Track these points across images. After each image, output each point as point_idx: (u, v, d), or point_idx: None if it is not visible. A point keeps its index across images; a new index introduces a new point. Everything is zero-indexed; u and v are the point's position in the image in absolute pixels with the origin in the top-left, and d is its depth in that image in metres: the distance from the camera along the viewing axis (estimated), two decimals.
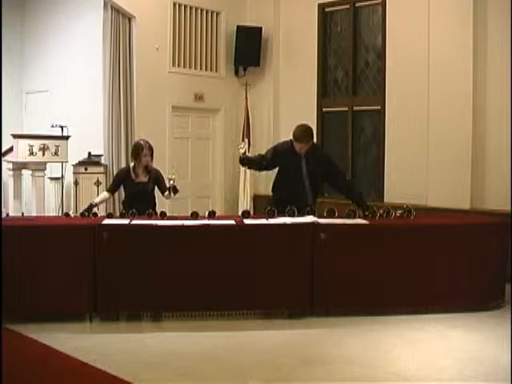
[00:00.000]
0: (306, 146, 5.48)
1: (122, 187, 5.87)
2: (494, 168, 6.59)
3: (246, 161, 5.68)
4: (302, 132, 5.50)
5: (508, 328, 4.44)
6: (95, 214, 5.40)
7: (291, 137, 5.51)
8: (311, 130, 5.56)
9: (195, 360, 4.05)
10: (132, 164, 5.76)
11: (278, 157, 5.57)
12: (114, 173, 7.41)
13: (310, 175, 5.55)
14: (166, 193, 5.69)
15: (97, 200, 5.77)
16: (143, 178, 5.72)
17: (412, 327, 4.71)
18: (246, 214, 5.31)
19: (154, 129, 7.72)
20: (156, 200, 5.86)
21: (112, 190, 5.87)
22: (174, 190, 5.61)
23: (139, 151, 5.65)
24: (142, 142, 5.70)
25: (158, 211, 5.41)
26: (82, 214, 5.44)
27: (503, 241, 5.32)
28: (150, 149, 5.69)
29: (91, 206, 5.53)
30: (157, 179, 5.78)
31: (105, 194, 5.87)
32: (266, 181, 8.57)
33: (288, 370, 3.88)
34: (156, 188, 5.83)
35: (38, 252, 4.76)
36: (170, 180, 5.62)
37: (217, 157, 8.74)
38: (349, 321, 4.87)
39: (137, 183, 5.69)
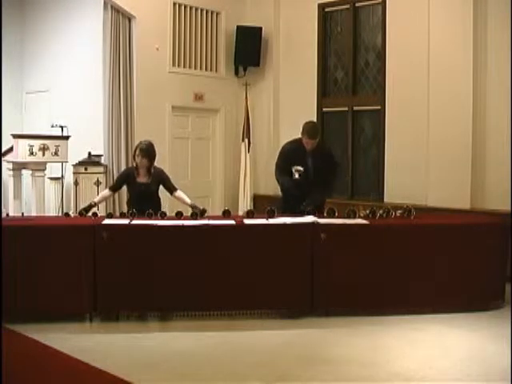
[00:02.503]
0: (316, 142, 5.58)
1: (126, 187, 5.87)
2: (493, 168, 6.58)
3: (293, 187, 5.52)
4: (315, 128, 5.69)
5: (508, 328, 4.44)
6: (95, 214, 5.39)
7: (298, 135, 5.63)
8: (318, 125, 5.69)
9: (195, 360, 4.06)
10: (135, 164, 5.74)
11: (288, 157, 5.65)
12: (114, 173, 7.44)
13: (315, 172, 5.59)
14: (185, 199, 5.69)
15: (96, 199, 5.74)
16: (145, 179, 5.69)
17: (412, 327, 4.71)
18: (250, 214, 5.32)
19: (154, 129, 7.71)
20: (161, 201, 5.84)
21: (114, 188, 5.86)
22: (202, 212, 5.45)
23: (134, 153, 5.67)
24: (140, 145, 5.65)
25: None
26: (81, 213, 5.44)
27: (503, 241, 5.32)
28: (147, 151, 5.59)
29: (90, 206, 5.52)
30: (161, 180, 5.75)
31: (105, 193, 5.87)
32: (265, 181, 8.60)
33: (288, 369, 3.88)
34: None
35: (37, 252, 4.76)
36: (193, 208, 5.55)
37: (217, 157, 8.74)
38: (349, 321, 4.87)
39: (139, 183, 5.67)
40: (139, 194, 5.66)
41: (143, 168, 5.66)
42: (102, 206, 7.04)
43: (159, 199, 5.82)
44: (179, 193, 5.76)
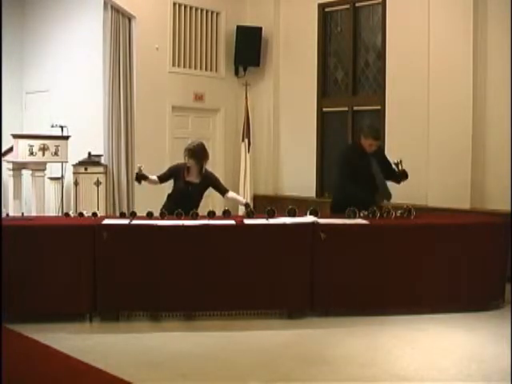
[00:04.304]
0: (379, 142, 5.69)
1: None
2: (493, 168, 6.59)
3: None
4: (377, 130, 5.84)
5: (508, 328, 4.44)
6: (95, 214, 5.37)
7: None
8: None
9: (195, 360, 4.05)
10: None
11: (351, 163, 5.60)
12: (114, 173, 7.45)
13: (376, 172, 5.62)
14: (239, 198, 5.75)
15: (150, 175, 5.59)
16: (195, 179, 5.65)
17: (412, 327, 4.71)
18: (250, 214, 5.33)
19: (154, 129, 7.72)
20: (200, 203, 5.76)
21: (162, 178, 5.71)
22: (143, 177, 5.52)
23: (184, 154, 5.61)
24: (190, 146, 5.62)
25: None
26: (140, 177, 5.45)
27: (503, 241, 5.32)
28: (193, 151, 5.56)
29: (140, 173, 5.48)
30: (211, 183, 5.72)
31: (156, 178, 5.67)
32: (265, 181, 8.60)
33: (288, 370, 3.88)
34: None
35: (37, 252, 4.76)
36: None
37: (217, 157, 8.73)
38: (349, 321, 4.87)
39: (186, 181, 5.64)
40: (184, 192, 5.59)
41: (193, 168, 5.61)
42: (102, 207, 7.06)
43: (200, 200, 5.74)
44: (231, 193, 5.77)
